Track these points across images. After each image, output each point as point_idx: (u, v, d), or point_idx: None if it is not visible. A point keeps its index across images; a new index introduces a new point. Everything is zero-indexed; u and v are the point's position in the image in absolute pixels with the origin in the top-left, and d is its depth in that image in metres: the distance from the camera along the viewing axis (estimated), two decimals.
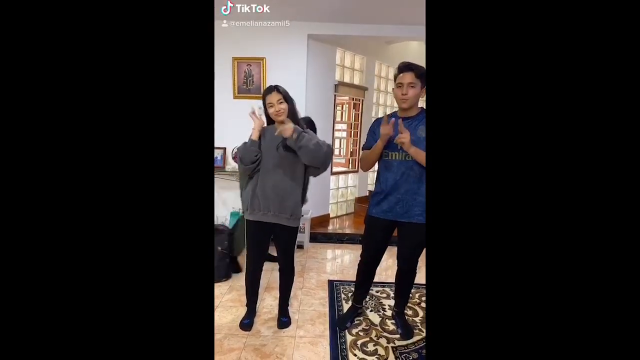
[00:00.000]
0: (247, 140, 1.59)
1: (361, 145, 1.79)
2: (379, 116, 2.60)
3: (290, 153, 1.56)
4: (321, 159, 1.53)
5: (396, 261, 1.71)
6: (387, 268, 2.57)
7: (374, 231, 1.69)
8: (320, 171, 1.60)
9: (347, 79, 3.69)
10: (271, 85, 1.57)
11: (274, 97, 1.54)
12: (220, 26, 2.58)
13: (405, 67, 1.50)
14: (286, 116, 1.56)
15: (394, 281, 1.83)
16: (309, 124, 2.41)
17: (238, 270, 2.43)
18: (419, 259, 1.67)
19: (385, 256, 1.75)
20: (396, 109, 1.63)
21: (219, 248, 2.29)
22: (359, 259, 1.79)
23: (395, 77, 1.53)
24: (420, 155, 1.46)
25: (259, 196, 1.59)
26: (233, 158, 2.90)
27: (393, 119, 1.51)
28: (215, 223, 2.47)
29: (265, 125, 1.66)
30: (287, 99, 1.57)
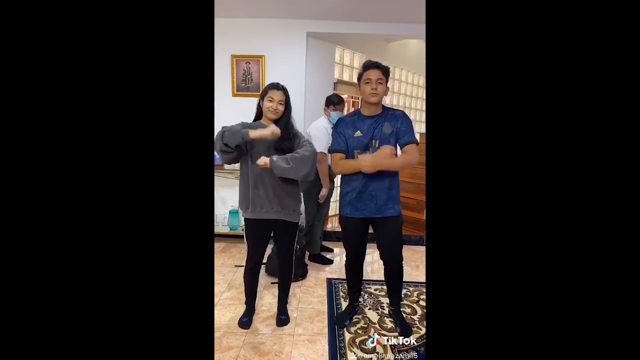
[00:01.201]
0: (240, 127, 1.50)
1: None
2: None
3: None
4: (300, 178, 1.54)
5: (381, 259, 1.73)
6: None
7: (350, 232, 1.71)
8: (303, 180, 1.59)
9: (346, 77, 3.68)
10: (279, 83, 1.57)
11: (277, 95, 1.54)
12: (220, 23, 2.56)
13: (371, 65, 1.53)
14: (279, 117, 1.56)
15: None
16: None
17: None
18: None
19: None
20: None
21: (298, 247, 2.30)
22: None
23: (361, 75, 1.56)
24: (395, 165, 1.51)
25: (262, 194, 1.59)
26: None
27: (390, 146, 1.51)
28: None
29: (253, 121, 1.65)
30: (288, 104, 1.57)
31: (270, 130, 1.47)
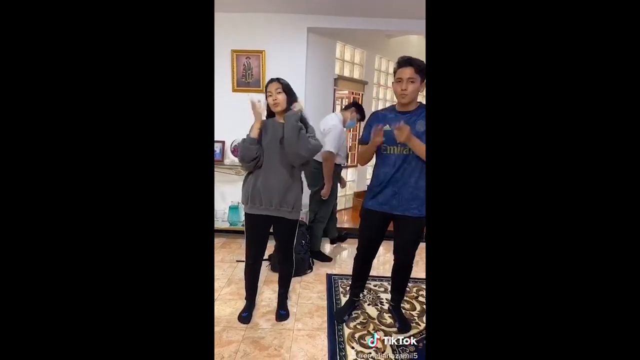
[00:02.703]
0: (245, 137, 1.59)
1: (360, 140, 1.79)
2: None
3: None
4: (293, 152, 1.55)
5: (393, 255, 1.72)
6: (385, 262, 2.58)
7: (369, 224, 1.70)
8: (296, 163, 1.59)
9: (346, 73, 3.67)
10: (273, 77, 1.61)
11: (273, 87, 1.57)
12: (220, 18, 2.55)
13: (404, 62, 1.48)
14: (284, 107, 1.58)
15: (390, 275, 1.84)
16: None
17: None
18: (417, 254, 1.68)
19: (383, 250, 1.77)
20: (396, 103, 1.63)
21: (303, 242, 2.37)
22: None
23: (395, 72, 1.52)
24: (419, 147, 1.46)
25: (261, 190, 1.60)
26: (232, 152, 2.89)
27: (380, 125, 1.51)
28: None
29: (265, 118, 1.66)
30: (287, 91, 1.59)
31: (255, 110, 1.56)
